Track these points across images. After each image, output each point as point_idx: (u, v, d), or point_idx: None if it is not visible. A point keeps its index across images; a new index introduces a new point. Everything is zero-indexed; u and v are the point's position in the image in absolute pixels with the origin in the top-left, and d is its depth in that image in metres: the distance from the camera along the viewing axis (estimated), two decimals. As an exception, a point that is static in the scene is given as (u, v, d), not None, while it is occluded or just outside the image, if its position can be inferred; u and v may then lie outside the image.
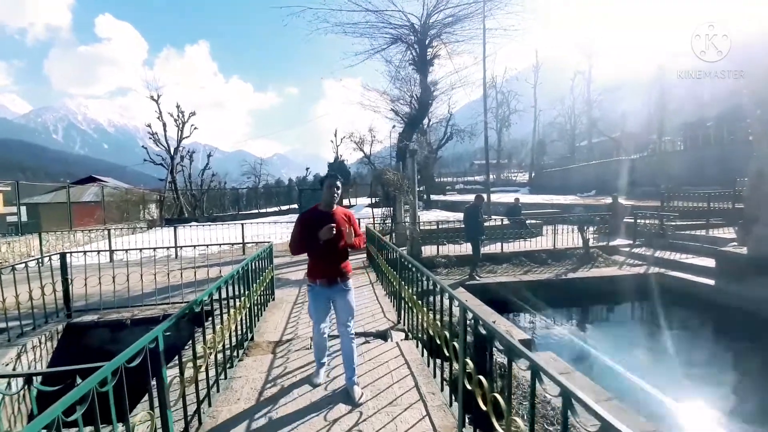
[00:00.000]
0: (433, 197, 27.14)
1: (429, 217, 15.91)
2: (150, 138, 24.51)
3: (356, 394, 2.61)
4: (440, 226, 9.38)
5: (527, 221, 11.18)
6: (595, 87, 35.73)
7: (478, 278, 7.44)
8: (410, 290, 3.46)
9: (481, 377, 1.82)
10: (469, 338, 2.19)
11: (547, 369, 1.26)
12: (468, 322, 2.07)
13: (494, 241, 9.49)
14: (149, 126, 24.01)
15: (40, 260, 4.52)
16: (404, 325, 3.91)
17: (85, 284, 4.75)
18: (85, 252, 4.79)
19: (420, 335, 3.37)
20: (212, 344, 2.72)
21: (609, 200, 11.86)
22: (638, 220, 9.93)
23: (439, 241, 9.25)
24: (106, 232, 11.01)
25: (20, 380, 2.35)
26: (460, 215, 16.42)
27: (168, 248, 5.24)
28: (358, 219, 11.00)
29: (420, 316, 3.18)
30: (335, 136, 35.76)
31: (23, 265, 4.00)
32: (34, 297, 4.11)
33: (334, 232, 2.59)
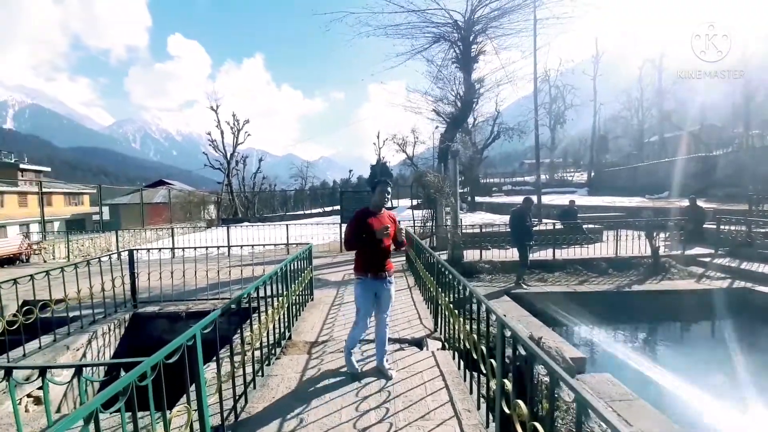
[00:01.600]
0: (478, 199, 26.23)
1: (473, 219, 15.37)
2: (210, 145, 26.75)
3: (387, 370, 2.98)
4: (483, 230, 8.94)
5: (584, 225, 10.28)
6: (667, 76, 31.96)
7: (525, 287, 6.96)
8: (447, 298, 3.30)
9: (520, 402, 1.63)
10: (510, 351, 2.00)
11: (596, 406, 1.06)
12: (506, 338, 1.88)
13: (545, 246, 8.84)
14: (209, 134, 26.20)
15: (115, 255, 5.07)
16: (441, 333, 3.74)
17: (149, 279, 5.23)
18: (148, 249, 5.29)
19: (458, 345, 3.19)
20: (250, 341, 2.82)
21: (685, 203, 10.48)
22: (721, 227, 8.64)
23: (483, 246, 8.84)
24: (171, 231, 12.15)
25: (70, 371, 2.61)
26: (507, 218, 15.61)
27: (219, 248, 5.59)
28: (399, 221, 10.99)
29: (456, 326, 3.00)
30: (378, 138, 36.14)
31: (97, 260, 4.50)
32: (105, 289, 4.61)
33: (387, 231, 2.87)
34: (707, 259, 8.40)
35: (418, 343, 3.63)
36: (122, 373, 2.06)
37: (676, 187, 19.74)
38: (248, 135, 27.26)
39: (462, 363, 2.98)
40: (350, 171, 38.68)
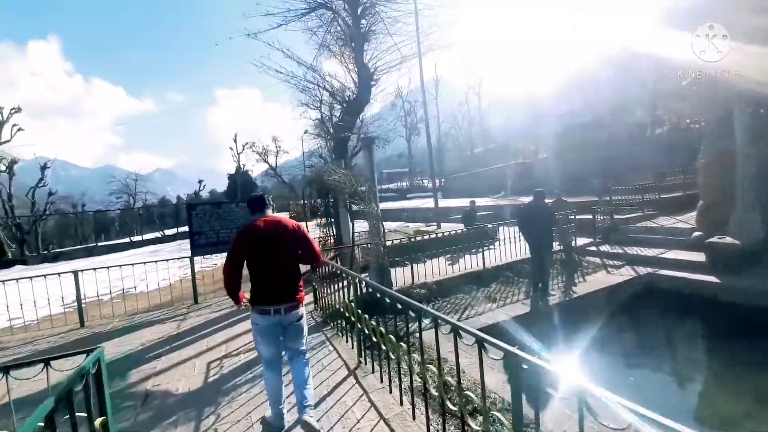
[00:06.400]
0: (354, 207, 24.95)
1: (357, 228, 13.51)
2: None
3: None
4: (413, 239, 6.99)
5: (486, 226, 9.77)
6: (484, 102, 40.33)
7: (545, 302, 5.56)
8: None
9: None
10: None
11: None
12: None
13: (465, 253, 7.68)
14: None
15: None
16: None
17: None
18: None
19: None
20: None
21: (525, 199, 11.39)
22: (596, 216, 9.45)
23: (401, 263, 6.87)
24: None
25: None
26: (390, 224, 14.24)
27: None
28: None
29: None
30: (235, 142, 30.82)
31: None
32: None
33: None
34: (593, 248, 8.95)
35: None
36: None
37: (508, 187, 23.96)
38: (18, 129, 17.96)
39: None
40: (200, 181, 31.29)
